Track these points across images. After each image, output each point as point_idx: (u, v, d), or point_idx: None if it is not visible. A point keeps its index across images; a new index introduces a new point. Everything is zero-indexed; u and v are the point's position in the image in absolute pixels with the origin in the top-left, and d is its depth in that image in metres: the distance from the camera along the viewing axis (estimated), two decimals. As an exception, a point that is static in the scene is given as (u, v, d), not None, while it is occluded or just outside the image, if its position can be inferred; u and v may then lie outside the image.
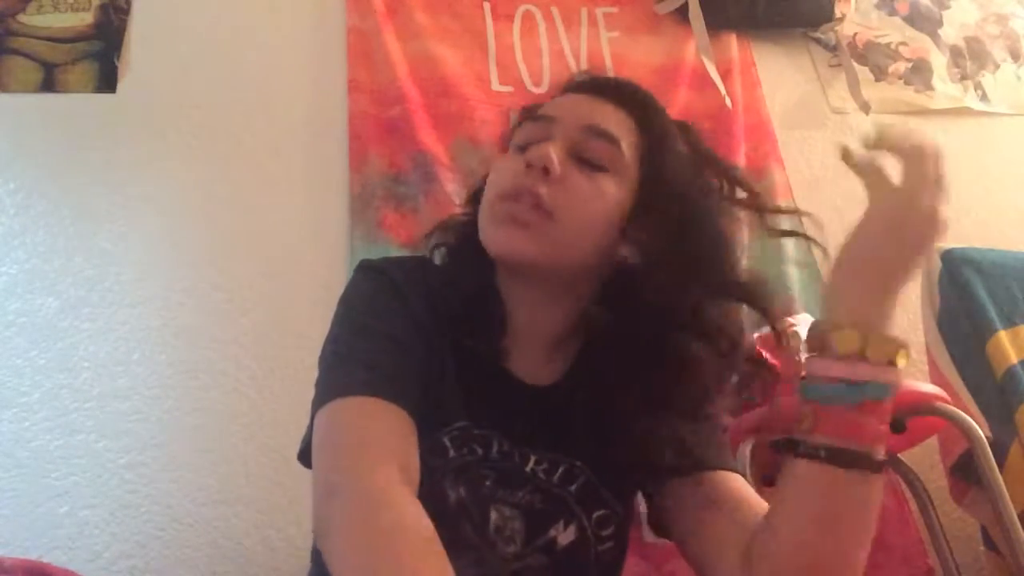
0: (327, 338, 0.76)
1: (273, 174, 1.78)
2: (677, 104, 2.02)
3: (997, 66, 2.34)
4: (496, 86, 1.97)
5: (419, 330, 0.74)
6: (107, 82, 1.80)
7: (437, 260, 0.87)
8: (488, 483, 0.73)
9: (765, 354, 1.34)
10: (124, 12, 1.89)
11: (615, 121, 0.80)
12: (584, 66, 2.05)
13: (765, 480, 1.41)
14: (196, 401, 1.53)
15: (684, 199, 0.79)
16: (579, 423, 0.76)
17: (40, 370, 1.52)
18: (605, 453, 0.76)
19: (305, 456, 0.72)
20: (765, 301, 0.82)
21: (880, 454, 0.65)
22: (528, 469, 0.75)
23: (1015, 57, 2.37)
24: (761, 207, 0.86)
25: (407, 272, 0.79)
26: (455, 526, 0.70)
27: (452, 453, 0.72)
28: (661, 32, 2.14)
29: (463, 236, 0.85)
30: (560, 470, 0.76)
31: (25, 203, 1.67)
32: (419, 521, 0.61)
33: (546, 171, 0.75)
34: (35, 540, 1.38)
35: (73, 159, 1.72)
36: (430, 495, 0.68)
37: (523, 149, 0.81)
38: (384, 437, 0.67)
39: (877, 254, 0.70)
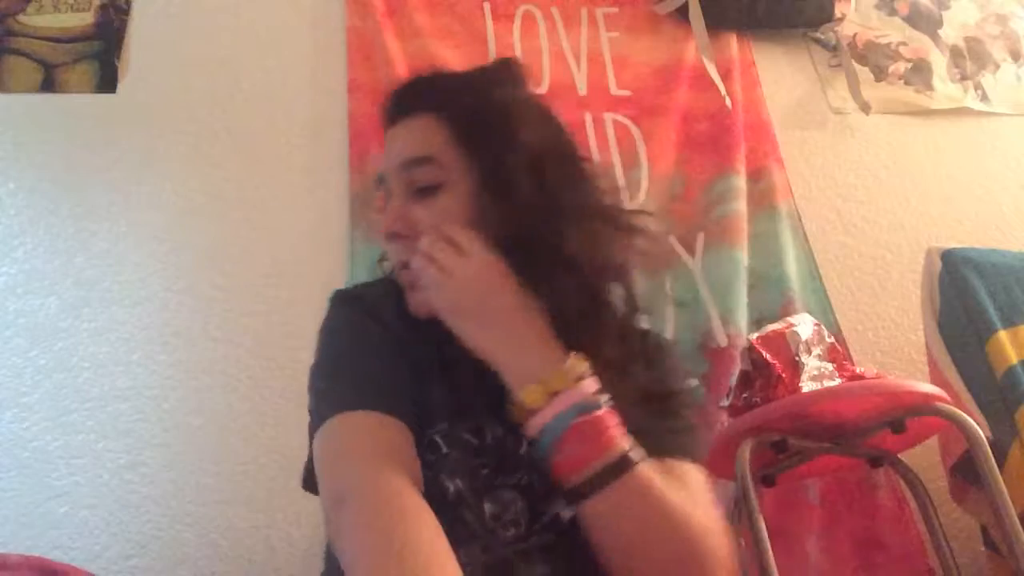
0: (312, 368, 0.80)
1: (273, 174, 1.78)
2: (677, 104, 2.02)
3: (997, 66, 2.34)
4: (496, 86, 1.97)
5: (399, 343, 0.77)
6: (107, 82, 1.81)
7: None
8: (485, 471, 0.74)
9: (765, 354, 1.34)
10: (124, 12, 1.89)
11: (420, 135, 0.82)
12: (584, 67, 2.05)
13: (765, 480, 1.41)
14: (196, 401, 1.53)
15: (519, 153, 0.79)
16: None
17: (40, 370, 1.52)
18: None
19: (308, 483, 0.76)
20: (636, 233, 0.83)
21: (613, 455, 0.69)
22: (523, 451, 0.76)
23: (1015, 57, 2.37)
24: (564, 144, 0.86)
25: (379, 293, 0.83)
26: (458, 516, 0.71)
27: (445, 449, 0.74)
28: (661, 32, 2.14)
29: None
30: None
31: (25, 203, 1.67)
32: (427, 516, 0.63)
33: (397, 235, 0.80)
34: (35, 540, 1.38)
35: (73, 159, 1.72)
36: (429, 489, 0.70)
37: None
38: (382, 444, 0.69)
39: (471, 335, 0.74)
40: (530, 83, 0.88)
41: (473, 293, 0.74)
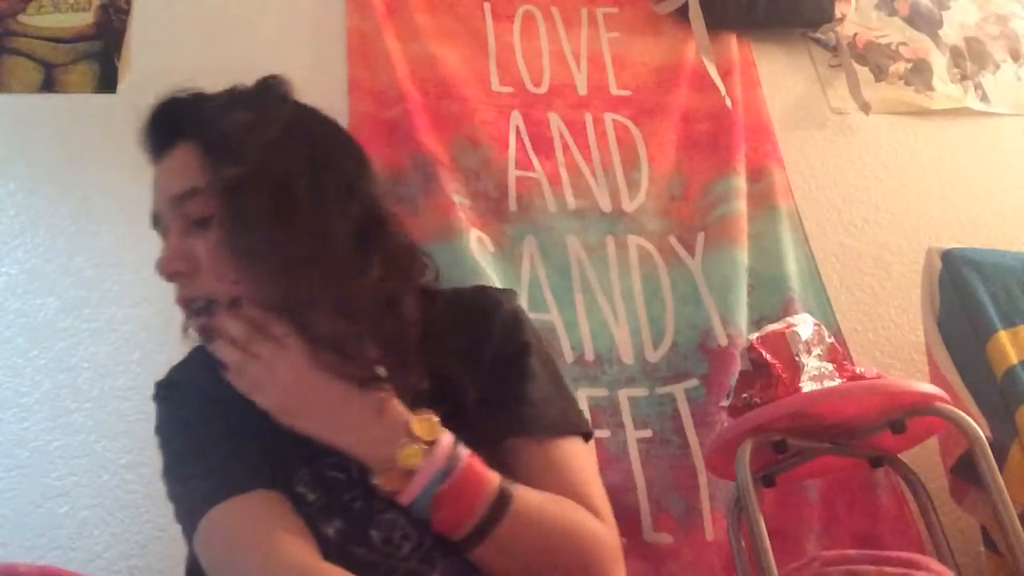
0: (163, 474, 0.79)
1: (273, 174, 1.78)
2: (677, 104, 2.02)
3: (997, 66, 2.34)
4: (496, 87, 1.97)
5: (232, 414, 0.75)
6: (107, 82, 1.81)
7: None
8: (360, 503, 0.73)
9: (765, 354, 1.34)
10: (124, 12, 1.89)
11: (183, 167, 0.78)
12: (584, 67, 2.05)
13: (765, 480, 1.41)
14: (196, 401, 1.53)
15: (257, 177, 0.75)
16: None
17: (40, 370, 1.52)
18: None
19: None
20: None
21: (487, 502, 0.70)
22: None
23: (1015, 57, 2.37)
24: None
25: (192, 369, 0.82)
26: (347, 554, 0.71)
27: (311, 496, 0.74)
28: (661, 32, 2.14)
29: None
30: None
31: (25, 203, 1.67)
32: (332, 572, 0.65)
33: (175, 274, 0.76)
34: (35, 540, 1.38)
35: (73, 159, 1.72)
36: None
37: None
38: (263, 522, 0.69)
39: (308, 429, 0.73)
40: (290, 98, 0.85)
41: (299, 390, 0.72)
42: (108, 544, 1.40)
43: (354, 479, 0.74)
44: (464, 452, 0.71)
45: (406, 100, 1.84)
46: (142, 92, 1.95)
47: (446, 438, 0.71)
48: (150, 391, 1.51)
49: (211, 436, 0.75)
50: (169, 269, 0.76)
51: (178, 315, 1.67)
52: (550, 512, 0.72)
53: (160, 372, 1.53)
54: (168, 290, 1.68)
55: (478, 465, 0.71)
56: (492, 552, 0.70)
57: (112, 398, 1.51)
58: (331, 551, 0.70)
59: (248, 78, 2.02)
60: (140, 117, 0.86)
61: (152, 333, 1.58)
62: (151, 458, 1.46)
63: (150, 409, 1.50)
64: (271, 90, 0.86)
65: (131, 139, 1.90)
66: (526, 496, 0.72)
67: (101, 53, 1.84)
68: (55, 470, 1.44)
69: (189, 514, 0.73)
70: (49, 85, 1.79)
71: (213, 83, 1.97)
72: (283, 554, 0.66)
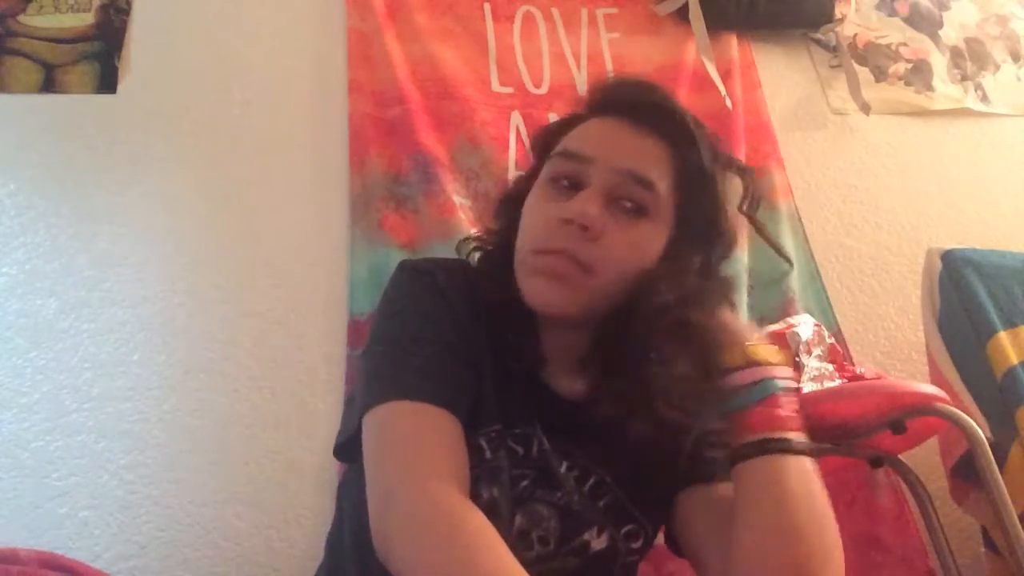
0: (373, 335, 0.78)
1: (273, 174, 1.78)
2: (677, 105, 2.01)
3: (997, 67, 2.34)
4: (496, 87, 1.97)
5: (463, 333, 0.75)
6: (107, 82, 1.80)
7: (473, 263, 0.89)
8: (526, 483, 0.74)
9: (765, 354, 1.34)
10: (124, 12, 1.89)
11: (654, 159, 0.79)
12: (584, 67, 2.05)
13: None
14: (196, 402, 1.53)
15: (715, 220, 0.81)
16: (606, 439, 0.76)
17: (40, 371, 1.52)
18: (633, 470, 0.76)
19: (343, 451, 0.75)
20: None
21: (792, 438, 0.71)
22: (563, 472, 0.76)
23: (1015, 58, 2.37)
24: (757, 216, 0.92)
25: (450, 274, 0.80)
26: None
27: (488, 454, 0.73)
28: (661, 33, 2.14)
29: (498, 251, 0.85)
30: (591, 481, 0.77)
31: (25, 203, 1.67)
32: (474, 520, 0.63)
33: (584, 228, 0.75)
34: (35, 541, 1.37)
35: (73, 159, 1.72)
36: None
37: (556, 183, 0.80)
38: (437, 444, 0.68)
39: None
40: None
41: None
42: (108, 544, 1.40)
43: (531, 458, 0.74)
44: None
45: (406, 100, 1.84)
46: (142, 92, 1.98)
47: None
48: (150, 391, 1.52)
49: (436, 337, 0.74)
50: (586, 222, 0.75)
51: (177, 316, 1.68)
52: (823, 497, 0.71)
53: (160, 372, 1.54)
54: (167, 290, 1.68)
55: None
56: (753, 486, 0.69)
57: (112, 399, 1.51)
58: None
59: (248, 78, 2.03)
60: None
61: (152, 333, 1.58)
62: (151, 459, 1.47)
63: (150, 409, 1.51)
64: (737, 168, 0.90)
65: (131, 139, 1.91)
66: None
67: (101, 53, 1.83)
68: (55, 471, 1.44)
69: (379, 390, 0.72)
70: (49, 85, 1.79)
71: (213, 83, 1.98)
72: (426, 481, 0.65)
